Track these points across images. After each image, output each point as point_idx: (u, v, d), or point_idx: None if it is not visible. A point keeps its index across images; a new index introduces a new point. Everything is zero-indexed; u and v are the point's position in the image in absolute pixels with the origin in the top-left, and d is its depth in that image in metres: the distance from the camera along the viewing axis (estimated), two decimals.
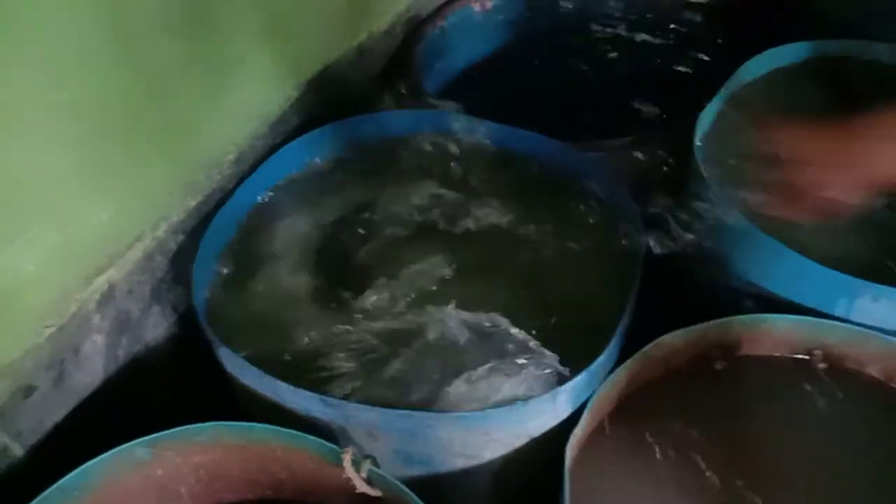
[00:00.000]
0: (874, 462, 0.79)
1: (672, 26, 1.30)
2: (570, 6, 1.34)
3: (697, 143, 0.95)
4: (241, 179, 0.96)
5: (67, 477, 0.73)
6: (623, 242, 0.88)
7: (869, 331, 0.82)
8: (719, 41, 1.23)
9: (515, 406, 0.71)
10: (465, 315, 0.78)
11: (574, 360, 0.75)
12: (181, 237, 0.90)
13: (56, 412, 0.80)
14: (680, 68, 1.23)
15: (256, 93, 0.98)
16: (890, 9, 1.11)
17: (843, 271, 0.79)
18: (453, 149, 1.02)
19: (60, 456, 0.75)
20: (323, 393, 0.73)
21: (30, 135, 0.69)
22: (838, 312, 0.83)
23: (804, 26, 1.15)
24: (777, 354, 0.87)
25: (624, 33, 1.31)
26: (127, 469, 0.77)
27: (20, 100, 0.67)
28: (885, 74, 1.08)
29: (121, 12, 0.74)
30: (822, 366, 0.86)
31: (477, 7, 1.34)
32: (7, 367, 0.74)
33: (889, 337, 0.82)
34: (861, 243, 0.87)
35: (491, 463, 0.76)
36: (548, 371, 0.74)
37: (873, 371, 0.85)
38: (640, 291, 0.83)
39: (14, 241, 0.71)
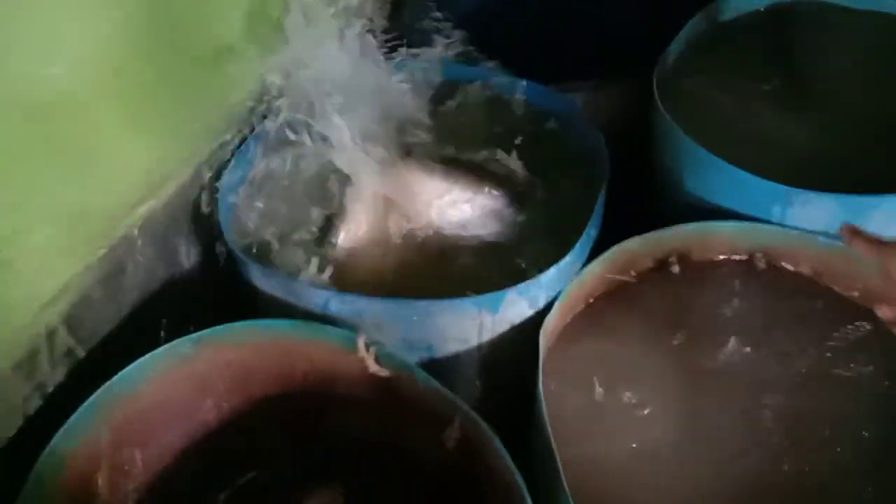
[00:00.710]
0: (803, 340, 0.93)
1: None
2: None
3: (656, 81, 1.09)
4: (252, 128, 1.09)
5: (126, 369, 0.87)
6: (592, 166, 1.02)
7: (800, 232, 0.96)
8: None
9: (498, 294, 0.85)
10: None
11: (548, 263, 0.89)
12: (208, 173, 1.04)
13: (110, 320, 0.95)
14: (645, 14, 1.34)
15: (257, 44, 1.11)
16: None
17: (776, 181, 0.93)
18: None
19: (116, 357, 0.89)
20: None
21: (82, 91, 0.82)
22: (774, 217, 0.97)
23: None
24: (723, 257, 1.01)
25: None
26: (174, 364, 0.91)
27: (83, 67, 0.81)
28: (836, 17, 1.20)
29: None
30: (762, 266, 1.00)
31: None
32: (70, 282, 0.88)
33: (819, 237, 0.96)
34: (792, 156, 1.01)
35: (479, 347, 0.91)
36: None
37: (805, 269, 0.99)
38: (608, 208, 0.97)
39: (78, 177, 0.85)
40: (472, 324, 0.88)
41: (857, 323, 0.94)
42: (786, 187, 0.93)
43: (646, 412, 0.88)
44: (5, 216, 0.77)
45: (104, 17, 0.82)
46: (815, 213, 0.94)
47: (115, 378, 0.86)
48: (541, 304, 0.90)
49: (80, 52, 0.80)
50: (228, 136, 1.06)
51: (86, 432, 0.85)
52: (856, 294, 0.95)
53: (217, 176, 1.03)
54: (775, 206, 0.95)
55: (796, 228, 0.96)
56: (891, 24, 1.17)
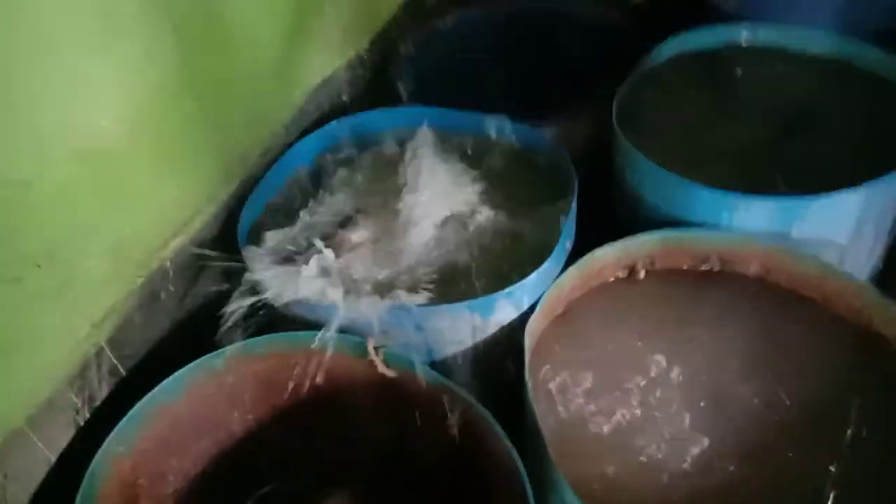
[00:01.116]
0: (753, 335, 1.06)
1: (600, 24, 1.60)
2: (511, 13, 1.64)
3: (616, 112, 1.24)
4: (266, 169, 1.24)
5: (165, 382, 0.99)
6: (564, 185, 1.16)
7: (747, 235, 1.10)
8: (638, 34, 1.52)
9: (488, 298, 0.98)
10: None
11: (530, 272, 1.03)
12: (226, 212, 1.18)
13: (147, 342, 1.07)
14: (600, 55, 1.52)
15: (273, 100, 1.27)
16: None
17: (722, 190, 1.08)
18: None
19: (152, 375, 1.01)
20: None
21: (124, 140, 0.97)
22: (724, 223, 1.11)
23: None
24: (684, 265, 1.15)
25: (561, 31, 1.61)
26: (206, 377, 1.03)
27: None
28: (761, 56, 1.38)
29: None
30: (717, 268, 1.14)
31: (441, 24, 1.63)
32: (114, 306, 1.01)
33: (765, 239, 1.10)
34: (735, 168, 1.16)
35: (474, 347, 1.04)
36: None
37: (753, 269, 1.12)
38: (587, 221, 1.11)
39: (119, 212, 0.98)
40: (466, 326, 1.01)
41: (800, 313, 1.07)
42: (731, 194, 1.08)
43: (617, 402, 1.01)
44: (67, 242, 0.90)
45: (143, 79, 0.97)
46: (758, 215, 1.08)
47: (155, 389, 0.98)
48: (525, 306, 1.04)
49: (124, 108, 0.95)
50: (244, 177, 1.21)
51: (132, 439, 0.97)
52: (799, 287, 1.09)
53: (238, 210, 1.16)
54: (724, 213, 1.10)
55: (744, 232, 1.10)
56: (807, 60, 1.34)
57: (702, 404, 0.99)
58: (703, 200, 1.10)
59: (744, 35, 1.38)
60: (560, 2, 1.65)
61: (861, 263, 1.19)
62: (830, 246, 1.11)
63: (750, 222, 1.10)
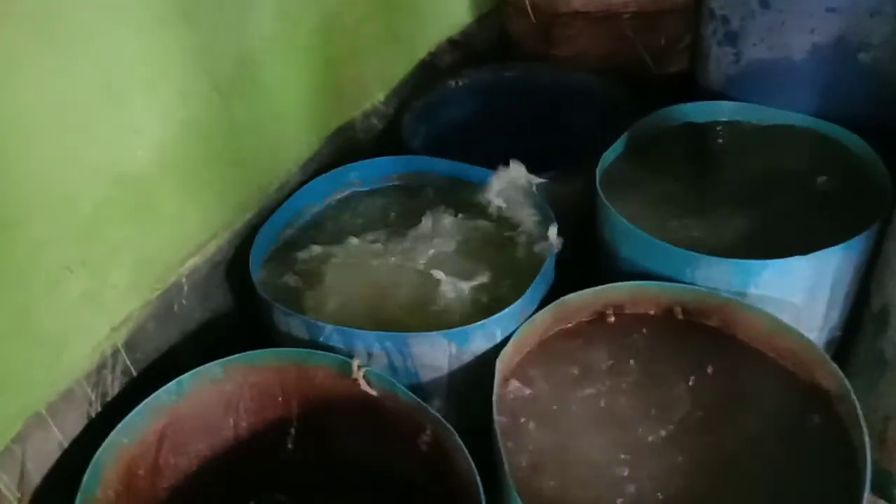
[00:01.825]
0: (708, 380, 1.16)
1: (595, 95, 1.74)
2: (518, 80, 1.79)
3: (599, 174, 1.37)
4: (281, 202, 1.37)
5: (170, 383, 1.11)
6: (545, 238, 1.28)
7: (708, 290, 1.21)
8: (627, 104, 1.66)
9: (462, 329, 1.09)
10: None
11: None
12: (240, 239, 1.31)
13: (159, 348, 1.19)
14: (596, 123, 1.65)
15: (292, 142, 1.42)
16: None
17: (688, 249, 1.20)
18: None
19: (161, 378, 1.12)
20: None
21: (155, 168, 1.11)
22: (687, 278, 1.22)
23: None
24: (650, 312, 1.25)
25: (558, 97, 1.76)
26: (207, 383, 1.14)
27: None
28: (737, 130, 1.50)
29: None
30: (680, 318, 1.24)
31: (453, 83, 1.79)
32: (132, 313, 1.13)
33: (724, 293, 1.20)
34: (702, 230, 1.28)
35: (451, 374, 1.14)
36: None
37: (713, 321, 1.22)
38: (559, 268, 1.23)
39: (146, 231, 1.12)
40: (441, 353, 1.12)
41: (753, 363, 1.17)
42: (694, 254, 1.19)
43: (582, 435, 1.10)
44: (97, 253, 1.03)
45: (177, 116, 1.12)
46: (718, 274, 1.19)
47: (161, 389, 1.10)
48: (498, 339, 1.14)
49: (160, 140, 1.10)
50: (259, 209, 1.35)
51: (136, 432, 1.08)
52: (752, 340, 1.19)
53: (251, 237, 1.30)
54: (687, 269, 1.21)
55: (704, 286, 1.21)
56: (781, 136, 1.46)
57: (650, 439, 1.09)
58: (669, 257, 1.21)
59: (725, 111, 1.51)
60: (565, 73, 1.79)
61: (817, 326, 1.28)
62: (786, 305, 1.21)
63: (711, 279, 1.20)
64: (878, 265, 1.22)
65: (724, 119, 1.51)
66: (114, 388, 1.12)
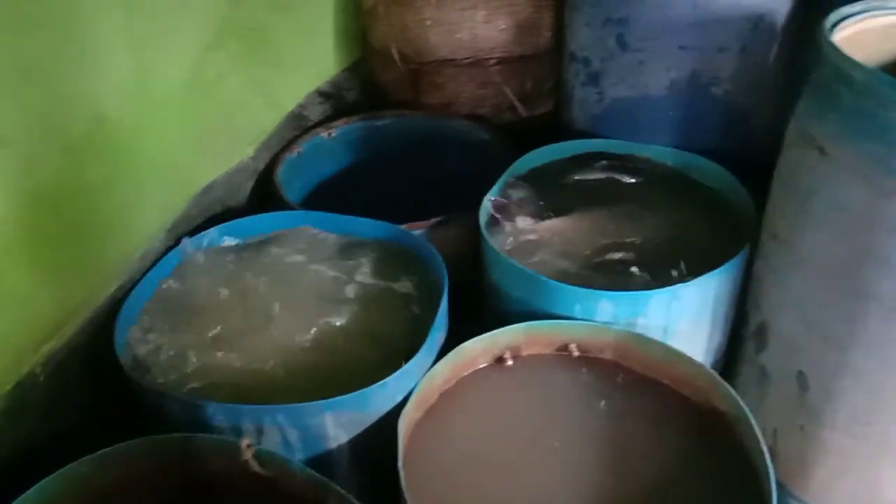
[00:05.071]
0: (609, 414, 1.16)
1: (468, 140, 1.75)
2: (390, 128, 1.78)
3: (482, 216, 1.36)
4: (143, 274, 1.26)
5: (26, 493, 0.96)
6: (436, 285, 1.25)
7: (600, 325, 1.21)
8: (500, 147, 1.68)
9: (358, 393, 1.03)
10: None
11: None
12: (101, 316, 1.19)
13: (15, 447, 1.04)
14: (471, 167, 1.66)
15: (155, 204, 1.31)
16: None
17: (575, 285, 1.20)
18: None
19: (19, 482, 0.98)
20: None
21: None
22: (578, 315, 1.22)
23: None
24: (547, 352, 1.24)
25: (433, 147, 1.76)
26: (74, 482, 1.01)
27: None
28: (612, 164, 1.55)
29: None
30: (576, 354, 1.24)
31: (324, 135, 1.74)
32: None
33: (615, 327, 1.21)
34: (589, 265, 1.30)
35: (351, 442, 1.07)
36: None
37: (608, 355, 1.23)
38: (452, 315, 1.19)
39: None
40: (340, 420, 1.05)
41: (652, 394, 1.18)
42: (581, 289, 1.20)
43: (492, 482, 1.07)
44: None
45: (21, 187, 1.00)
46: (605, 308, 1.20)
47: (17, 500, 0.95)
48: (398, 398, 1.09)
49: (1, 215, 0.97)
50: (121, 282, 1.23)
51: None
52: (647, 370, 1.20)
53: (114, 314, 1.17)
54: (576, 305, 1.21)
55: (596, 321, 1.22)
56: (650, 171, 1.53)
57: (556, 480, 1.06)
58: (558, 294, 1.21)
59: (594, 148, 1.56)
60: (437, 120, 1.79)
61: (702, 350, 1.32)
62: (675, 333, 1.24)
63: (601, 314, 1.21)
64: (751, 285, 1.28)
65: (593, 155, 1.55)
66: None
